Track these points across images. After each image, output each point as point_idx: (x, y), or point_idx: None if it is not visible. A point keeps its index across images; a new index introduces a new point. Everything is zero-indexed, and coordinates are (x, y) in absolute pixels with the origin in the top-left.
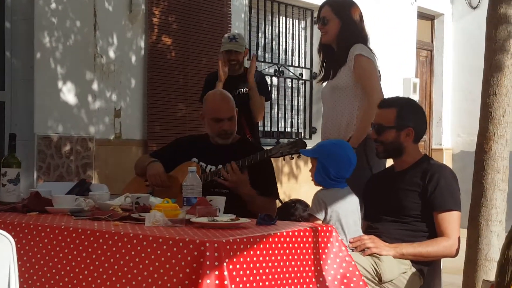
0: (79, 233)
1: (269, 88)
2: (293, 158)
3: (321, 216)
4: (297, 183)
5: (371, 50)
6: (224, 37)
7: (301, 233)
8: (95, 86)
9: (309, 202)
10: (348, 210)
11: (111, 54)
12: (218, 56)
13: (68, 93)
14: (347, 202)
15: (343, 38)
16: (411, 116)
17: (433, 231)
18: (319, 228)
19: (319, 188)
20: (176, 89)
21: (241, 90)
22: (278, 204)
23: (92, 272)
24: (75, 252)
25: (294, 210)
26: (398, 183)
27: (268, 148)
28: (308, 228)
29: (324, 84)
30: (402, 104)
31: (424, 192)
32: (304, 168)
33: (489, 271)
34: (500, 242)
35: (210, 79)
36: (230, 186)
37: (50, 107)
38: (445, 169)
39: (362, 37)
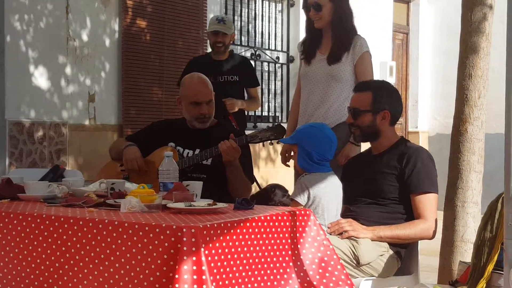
0: (52, 220)
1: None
2: (272, 144)
3: (302, 200)
4: (274, 167)
5: None
6: (211, 18)
7: (279, 217)
8: (68, 70)
9: (288, 187)
10: (330, 195)
11: (84, 37)
12: (194, 39)
13: (40, 78)
14: (330, 186)
15: (338, 21)
16: (387, 99)
17: (411, 214)
18: (297, 212)
19: (294, 172)
20: (151, 73)
21: (226, 77)
22: (257, 189)
23: (68, 260)
24: (49, 240)
25: (273, 196)
26: (376, 166)
27: (247, 133)
28: (286, 212)
29: (310, 66)
30: (377, 87)
31: (401, 175)
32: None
33: (465, 252)
34: (476, 224)
35: (194, 62)
36: (227, 162)
37: (21, 92)
38: (422, 152)
39: (352, 17)
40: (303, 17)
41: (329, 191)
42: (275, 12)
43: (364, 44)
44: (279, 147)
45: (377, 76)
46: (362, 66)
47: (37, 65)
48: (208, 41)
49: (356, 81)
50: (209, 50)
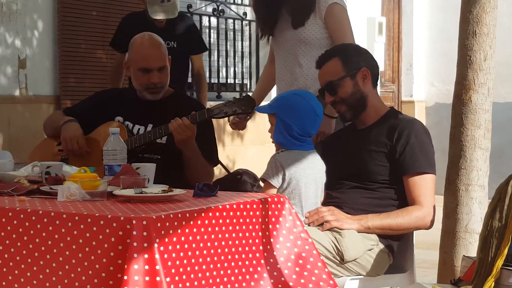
0: None
1: (206, 32)
2: (239, 119)
3: (276, 182)
4: (242, 144)
5: None
6: None
7: (247, 206)
8: None
9: (259, 170)
10: (309, 177)
11: None
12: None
13: None
14: (310, 167)
15: None
16: (357, 56)
17: (404, 199)
18: (269, 200)
19: (268, 151)
20: (94, 32)
21: (170, 43)
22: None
23: None
24: None
25: (240, 184)
26: (361, 143)
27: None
28: (256, 200)
29: (276, 30)
30: (342, 50)
31: (392, 153)
32: (252, 127)
33: (469, 245)
34: (483, 211)
35: (128, 23)
36: (180, 143)
37: None
38: (416, 124)
39: None
40: None
41: (309, 173)
42: None
43: None
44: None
45: (364, 35)
46: (332, 21)
47: None
48: None
49: (329, 39)
50: None
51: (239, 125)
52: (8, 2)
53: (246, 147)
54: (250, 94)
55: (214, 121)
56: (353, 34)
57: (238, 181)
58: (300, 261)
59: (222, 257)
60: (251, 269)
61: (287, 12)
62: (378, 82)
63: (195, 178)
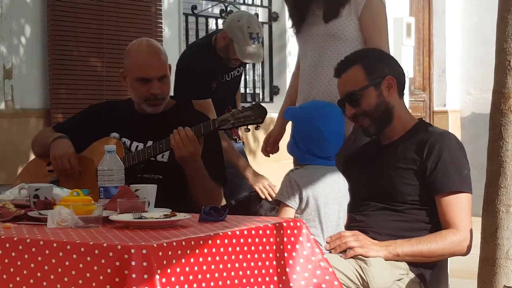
0: None
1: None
2: (249, 130)
3: (293, 203)
4: (255, 161)
5: None
6: (241, 29)
7: (260, 232)
8: None
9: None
10: (329, 196)
11: None
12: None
13: None
14: (329, 185)
15: None
16: (382, 63)
17: (436, 222)
18: (284, 224)
19: (284, 168)
20: (88, 38)
21: (233, 73)
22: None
23: None
24: None
25: (258, 208)
26: (387, 159)
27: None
28: (269, 225)
29: (305, 26)
30: (363, 55)
31: (422, 170)
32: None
33: (511, 273)
34: None
35: (200, 58)
36: (182, 161)
37: None
38: (449, 138)
39: None
40: None
41: (328, 192)
42: None
43: None
44: (260, 134)
45: (390, 38)
46: (367, 16)
47: None
48: None
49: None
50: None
51: (273, 149)
52: None
53: (259, 164)
54: (264, 104)
55: (221, 134)
56: (388, 35)
57: (257, 203)
58: None
59: None
60: None
61: (317, 7)
62: (407, 91)
63: (201, 200)
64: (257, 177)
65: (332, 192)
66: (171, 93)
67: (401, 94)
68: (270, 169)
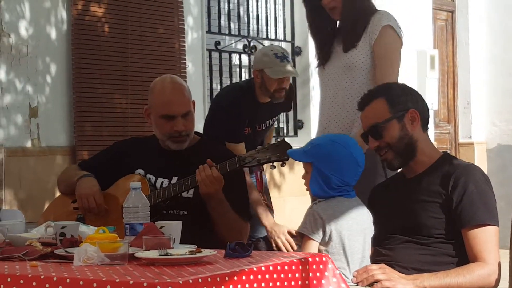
0: None
1: (237, 71)
2: (275, 167)
3: (317, 237)
4: (280, 196)
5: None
6: (266, 54)
7: (285, 267)
8: (1, 75)
9: (298, 225)
10: (353, 228)
11: (22, 31)
12: (168, 30)
13: None
14: (353, 217)
15: (354, 3)
16: (405, 96)
17: (463, 255)
18: (310, 259)
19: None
20: (112, 76)
21: (268, 122)
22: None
23: None
24: None
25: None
26: (412, 193)
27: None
28: (295, 260)
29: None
30: (387, 89)
31: (448, 203)
32: (290, 176)
33: None
34: None
35: (239, 103)
36: (206, 197)
37: None
38: (474, 170)
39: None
40: None
41: (351, 224)
42: None
43: (385, 17)
44: (285, 170)
45: (414, 70)
46: (381, 48)
47: None
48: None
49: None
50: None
51: None
52: (17, 44)
53: (285, 199)
54: (288, 139)
55: (247, 170)
56: (399, 68)
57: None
58: None
59: None
60: None
61: (338, 41)
62: (432, 123)
63: (225, 235)
64: (275, 229)
65: (355, 224)
66: (198, 127)
67: (425, 127)
68: (296, 203)
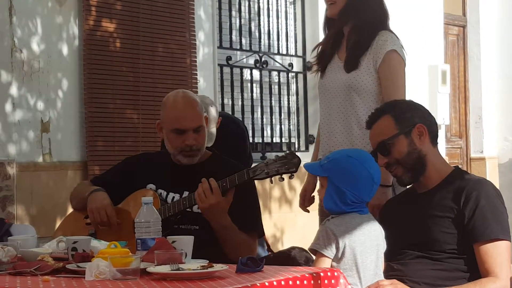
0: None
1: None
2: (283, 179)
3: (330, 253)
4: (291, 211)
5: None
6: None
7: (297, 282)
8: (13, 90)
9: (310, 242)
10: (366, 245)
11: (34, 47)
12: (179, 45)
13: None
14: (366, 233)
15: (354, 9)
16: (411, 112)
17: (475, 270)
18: (321, 274)
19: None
20: (123, 90)
21: None
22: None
23: None
24: None
25: (290, 262)
26: (424, 208)
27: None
28: (307, 275)
29: (326, 75)
30: (393, 105)
31: (460, 218)
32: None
33: None
34: None
35: None
36: (205, 213)
37: None
38: (486, 185)
39: (377, 4)
40: (323, 9)
41: (364, 240)
42: (286, 5)
43: (389, 41)
44: (296, 184)
45: (425, 85)
46: (386, 71)
47: None
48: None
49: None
50: (200, 59)
51: (311, 202)
52: (29, 60)
53: (296, 214)
54: (299, 154)
55: (258, 185)
56: (405, 88)
57: (288, 258)
58: None
59: None
60: None
61: (340, 57)
62: (443, 138)
63: (230, 254)
64: None
65: (368, 240)
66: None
67: (434, 142)
68: (307, 219)
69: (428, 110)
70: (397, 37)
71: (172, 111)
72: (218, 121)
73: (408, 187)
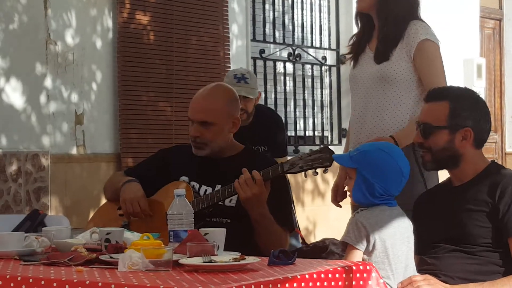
0: (30, 284)
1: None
2: (317, 173)
3: (361, 246)
4: (324, 204)
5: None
6: (227, 75)
7: (329, 275)
8: (48, 82)
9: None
10: (396, 237)
11: (69, 39)
12: (213, 38)
13: (13, 93)
14: (395, 226)
15: (384, 2)
16: (470, 112)
17: (510, 264)
18: (354, 268)
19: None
20: (157, 83)
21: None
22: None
23: None
24: None
25: (326, 255)
26: (459, 201)
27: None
28: (339, 268)
29: (358, 66)
30: (457, 96)
31: (495, 212)
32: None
33: None
34: None
35: None
36: (246, 203)
37: None
38: None
39: (412, 3)
40: None
41: (394, 233)
42: None
43: (421, 30)
44: (329, 177)
45: (460, 79)
46: (422, 59)
47: (8, 76)
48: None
49: (416, 79)
50: (233, 51)
51: (343, 197)
52: (63, 52)
53: (328, 208)
54: (332, 147)
55: (291, 178)
56: (445, 77)
57: (323, 251)
58: None
59: None
60: None
61: (371, 48)
62: None
63: (265, 245)
64: None
65: (399, 233)
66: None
67: (477, 146)
68: (340, 212)
69: (487, 115)
70: (428, 26)
71: (193, 99)
72: (258, 96)
73: (441, 181)
